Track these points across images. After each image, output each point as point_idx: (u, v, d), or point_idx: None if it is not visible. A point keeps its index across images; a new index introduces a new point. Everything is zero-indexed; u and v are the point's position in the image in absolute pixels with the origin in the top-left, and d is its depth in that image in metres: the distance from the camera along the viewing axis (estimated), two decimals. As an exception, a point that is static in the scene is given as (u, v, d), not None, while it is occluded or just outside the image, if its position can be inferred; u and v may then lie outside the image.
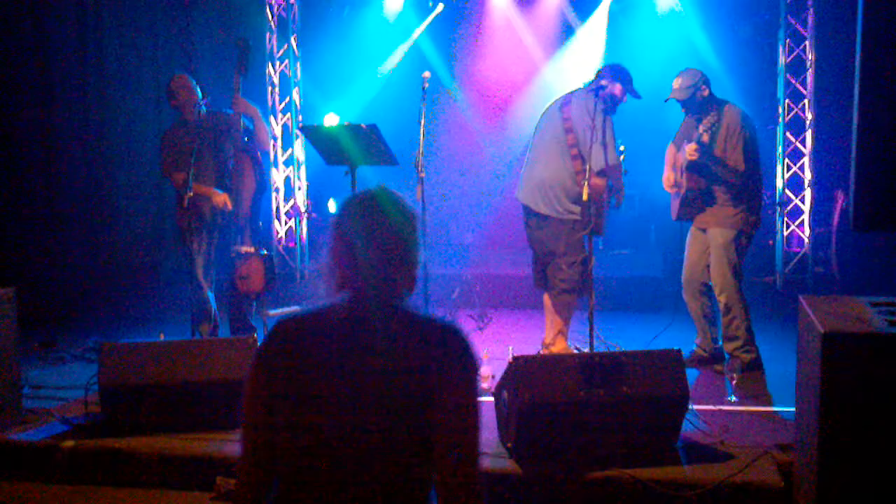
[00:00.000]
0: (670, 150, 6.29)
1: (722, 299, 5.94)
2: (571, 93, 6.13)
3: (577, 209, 5.87)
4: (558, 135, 6.00)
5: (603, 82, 5.87)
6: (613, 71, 6.03)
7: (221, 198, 6.18)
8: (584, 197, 5.52)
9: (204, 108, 6.32)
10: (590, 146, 5.56)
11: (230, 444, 4.65)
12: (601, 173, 5.75)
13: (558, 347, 6.07)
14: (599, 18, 9.80)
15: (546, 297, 6.21)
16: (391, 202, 2.12)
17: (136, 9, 9.56)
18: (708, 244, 6.06)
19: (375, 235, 2.06)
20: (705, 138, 5.79)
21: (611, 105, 5.90)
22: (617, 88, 5.95)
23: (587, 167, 5.56)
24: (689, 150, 5.79)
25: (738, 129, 5.84)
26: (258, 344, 5.08)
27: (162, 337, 6.13)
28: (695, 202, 6.02)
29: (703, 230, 6.09)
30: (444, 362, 2.03)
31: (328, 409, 2.01)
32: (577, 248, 5.96)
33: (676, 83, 6.04)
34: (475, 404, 2.06)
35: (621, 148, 5.89)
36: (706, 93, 5.97)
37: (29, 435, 4.93)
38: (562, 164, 5.96)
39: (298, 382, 2.03)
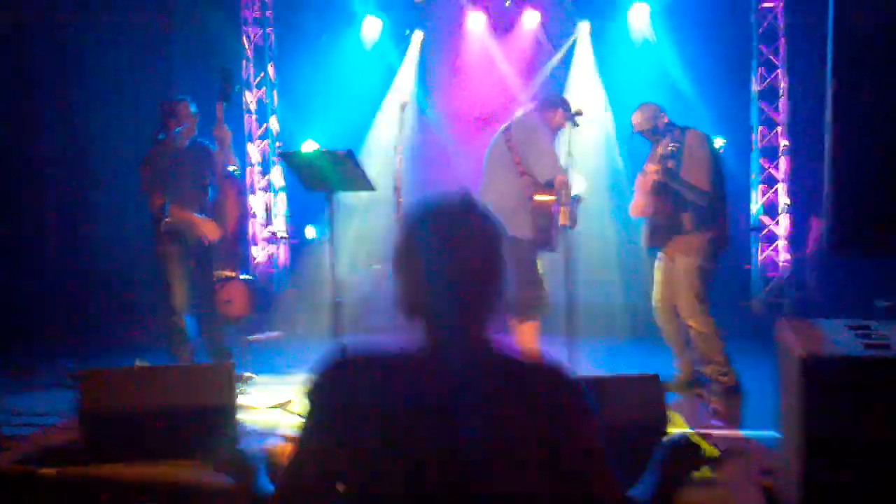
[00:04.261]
0: (639, 178, 6.35)
1: (691, 324, 5.97)
2: (514, 118, 6.39)
3: (528, 226, 5.96)
4: (504, 154, 6.19)
5: (548, 112, 6.18)
6: (555, 98, 6.43)
7: (210, 226, 6.15)
8: (534, 217, 5.85)
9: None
10: (534, 163, 5.93)
11: (211, 472, 4.62)
12: (548, 185, 5.94)
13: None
14: (583, 48, 9.86)
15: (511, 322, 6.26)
16: (476, 211, 1.82)
17: (118, 36, 9.55)
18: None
19: (457, 251, 1.75)
20: (671, 164, 5.88)
21: (555, 130, 6.19)
22: (559, 115, 6.13)
23: (534, 183, 5.88)
24: (651, 170, 5.90)
25: (699, 150, 5.94)
26: (232, 368, 5.10)
27: (139, 363, 6.10)
28: (663, 229, 6.08)
29: (672, 257, 6.15)
30: (559, 413, 1.73)
31: (404, 472, 1.68)
32: (531, 268, 6.04)
33: (635, 119, 6.24)
34: (604, 452, 1.82)
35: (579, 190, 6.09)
36: (665, 120, 6.15)
37: (7, 463, 4.86)
38: (510, 182, 6.11)
39: (363, 436, 1.70)
